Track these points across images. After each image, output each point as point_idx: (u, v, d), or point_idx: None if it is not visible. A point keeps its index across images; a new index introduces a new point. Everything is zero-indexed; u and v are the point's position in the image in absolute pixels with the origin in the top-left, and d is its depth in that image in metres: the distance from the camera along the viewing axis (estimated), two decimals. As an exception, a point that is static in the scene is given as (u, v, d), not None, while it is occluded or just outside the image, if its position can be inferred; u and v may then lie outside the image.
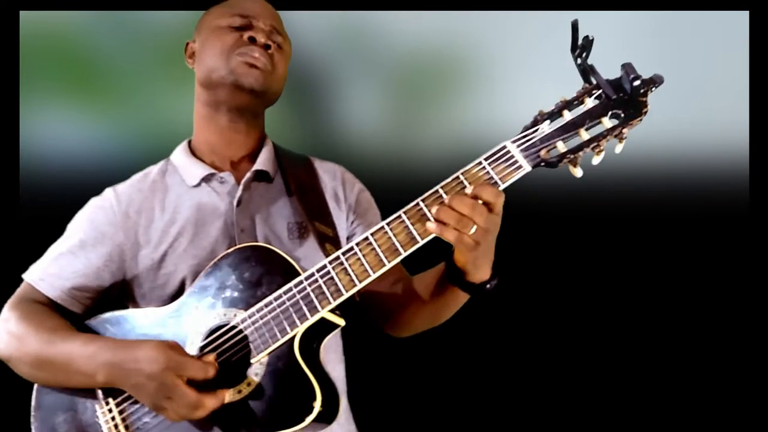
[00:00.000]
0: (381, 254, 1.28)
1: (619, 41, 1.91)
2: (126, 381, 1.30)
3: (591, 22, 2.04)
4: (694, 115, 1.99)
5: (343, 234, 1.55)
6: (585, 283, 2.15)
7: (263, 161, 1.54)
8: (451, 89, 2.24)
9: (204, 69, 1.52)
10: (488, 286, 1.35)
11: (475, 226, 1.22)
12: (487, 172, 1.26)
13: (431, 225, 1.24)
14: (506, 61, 2.17)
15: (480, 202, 1.22)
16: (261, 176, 1.53)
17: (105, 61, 2.20)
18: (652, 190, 2.06)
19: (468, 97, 2.23)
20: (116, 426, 1.35)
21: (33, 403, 1.42)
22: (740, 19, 2.04)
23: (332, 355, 1.49)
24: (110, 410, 1.36)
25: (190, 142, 1.60)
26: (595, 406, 2.18)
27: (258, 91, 1.48)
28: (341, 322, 1.34)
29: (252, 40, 1.48)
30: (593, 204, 2.04)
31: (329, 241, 1.47)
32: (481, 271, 1.33)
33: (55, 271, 1.47)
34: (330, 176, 1.61)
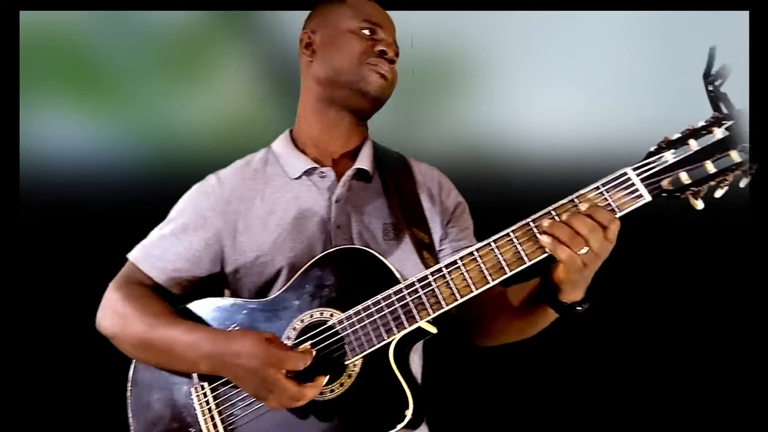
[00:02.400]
0: (485, 271, 1.27)
1: (619, 41, 1.91)
2: (228, 372, 1.34)
3: (591, 22, 2.04)
4: (693, 115, 1.99)
5: (436, 237, 1.56)
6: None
7: (364, 159, 1.57)
8: (451, 89, 2.24)
9: (329, 68, 1.55)
10: (579, 308, 1.32)
11: (587, 248, 1.20)
12: (605, 199, 1.24)
13: (545, 239, 1.22)
14: (506, 61, 2.17)
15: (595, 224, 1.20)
16: (361, 175, 1.56)
17: (105, 61, 2.20)
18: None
19: (468, 97, 2.22)
20: (210, 409, 1.39)
21: (130, 378, 1.47)
22: (740, 19, 2.03)
23: (414, 355, 1.49)
24: (204, 394, 1.39)
25: (291, 132, 1.63)
26: (594, 406, 2.18)
27: (379, 99, 1.55)
28: (434, 330, 1.34)
29: (382, 53, 1.53)
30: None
31: (426, 248, 1.48)
32: (576, 292, 1.30)
33: (158, 252, 1.52)
34: (427, 178, 1.62)
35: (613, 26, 1.96)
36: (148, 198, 2.17)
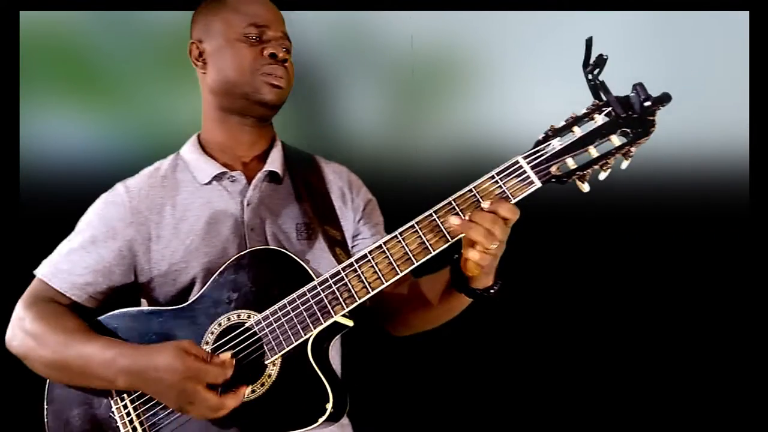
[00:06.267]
0: (393, 263, 1.31)
1: (619, 41, 1.91)
2: (147, 388, 1.33)
3: (591, 22, 2.04)
4: (694, 115, 1.99)
5: (348, 234, 1.57)
6: (585, 283, 2.15)
7: (274, 162, 1.56)
8: (450, 89, 2.24)
9: (221, 80, 1.52)
10: (492, 291, 1.37)
11: (497, 243, 1.25)
12: (500, 186, 1.28)
13: (462, 227, 1.25)
14: (506, 61, 2.17)
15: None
16: (271, 177, 1.56)
17: (105, 61, 2.20)
18: (652, 189, 2.06)
19: (467, 97, 2.22)
20: (131, 421, 1.37)
21: (46, 396, 1.44)
22: (740, 19, 2.04)
23: (332, 350, 1.49)
24: (125, 406, 1.38)
25: (199, 137, 1.61)
26: (593, 406, 2.18)
27: (277, 105, 1.54)
28: (350, 323, 1.36)
29: (273, 56, 1.50)
30: (593, 204, 2.04)
31: (338, 245, 1.48)
32: (488, 278, 1.35)
33: (67, 267, 1.48)
34: (336, 176, 1.63)
35: (613, 26, 1.96)
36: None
